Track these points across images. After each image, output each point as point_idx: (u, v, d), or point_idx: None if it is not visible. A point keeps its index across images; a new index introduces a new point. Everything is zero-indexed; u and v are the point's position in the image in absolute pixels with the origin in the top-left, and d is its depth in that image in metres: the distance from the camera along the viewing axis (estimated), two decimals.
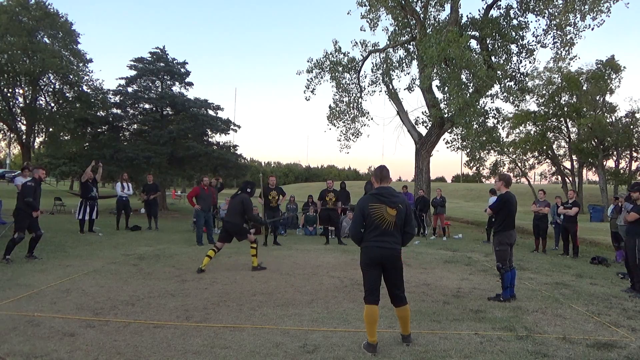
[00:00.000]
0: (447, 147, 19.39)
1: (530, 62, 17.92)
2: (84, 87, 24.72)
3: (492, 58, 17.10)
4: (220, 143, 24.59)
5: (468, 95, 16.10)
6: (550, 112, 28.70)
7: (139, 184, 19.83)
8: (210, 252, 7.62)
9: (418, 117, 19.23)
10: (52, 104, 25.86)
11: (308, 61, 19.44)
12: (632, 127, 27.89)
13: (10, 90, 24.68)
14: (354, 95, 20.10)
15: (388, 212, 4.05)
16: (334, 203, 12.45)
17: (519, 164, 31.38)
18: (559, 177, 31.89)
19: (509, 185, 6.26)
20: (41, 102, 25.74)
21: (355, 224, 4.17)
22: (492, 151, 26.67)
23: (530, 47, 17.44)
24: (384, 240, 4.05)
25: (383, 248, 4.04)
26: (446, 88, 16.06)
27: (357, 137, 20.69)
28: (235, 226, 7.75)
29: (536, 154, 30.89)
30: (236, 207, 7.80)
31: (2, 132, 28.31)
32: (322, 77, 19.70)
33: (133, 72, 22.80)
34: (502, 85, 17.25)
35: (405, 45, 19.48)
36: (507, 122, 28.34)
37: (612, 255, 10.66)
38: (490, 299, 6.02)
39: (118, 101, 22.78)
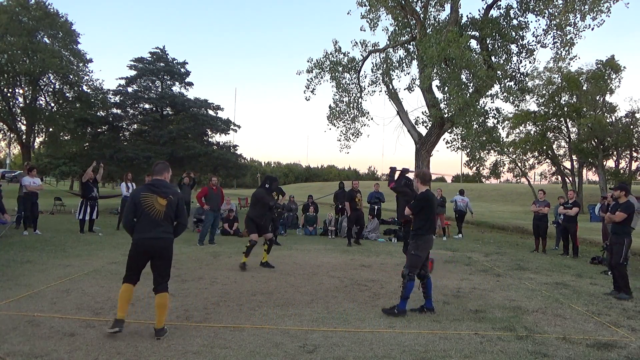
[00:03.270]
0: (447, 147, 19.35)
1: (530, 62, 17.88)
2: (84, 87, 24.76)
3: (492, 58, 17.08)
4: (220, 143, 24.63)
5: (468, 95, 16.08)
6: (550, 112, 28.72)
7: (139, 184, 19.85)
8: (264, 246, 8.29)
9: (418, 117, 19.18)
10: (52, 104, 25.87)
11: (308, 61, 19.41)
12: (632, 127, 27.94)
13: (10, 90, 24.70)
14: (354, 95, 20.07)
15: (159, 202, 4.25)
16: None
17: (519, 164, 31.39)
18: (559, 177, 31.91)
19: (425, 182, 5.63)
20: (41, 102, 25.77)
21: (127, 213, 4.32)
22: (492, 151, 26.67)
23: (530, 47, 17.41)
24: (154, 230, 4.24)
25: (154, 239, 4.23)
26: (446, 88, 16.03)
27: (357, 137, 20.64)
28: (257, 219, 8.07)
29: (536, 154, 30.91)
30: (252, 200, 8.30)
31: (2, 132, 28.31)
32: (322, 77, 19.65)
33: (133, 72, 22.82)
34: (502, 85, 17.22)
35: (405, 45, 19.45)
36: (507, 122, 28.35)
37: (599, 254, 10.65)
38: (384, 311, 5.23)
39: (118, 101, 22.80)
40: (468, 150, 18.82)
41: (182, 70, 23.99)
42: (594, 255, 10.40)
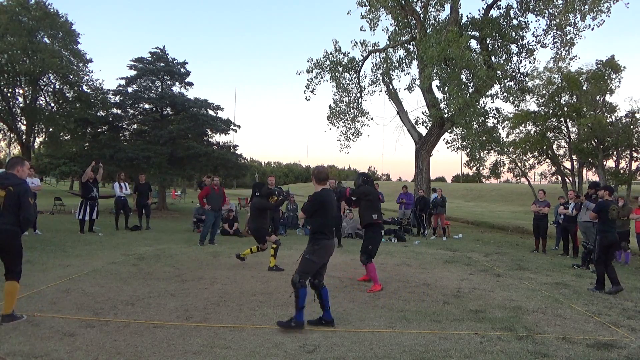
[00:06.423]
0: (447, 147, 19.42)
1: (530, 62, 17.97)
2: (84, 87, 24.69)
3: (492, 58, 17.10)
4: (220, 143, 24.58)
5: (468, 95, 16.11)
6: (550, 112, 28.68)
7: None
8: (254, 248, 8.13)
9: (418, 117, 19.25)
10: (52, 104, 25.82)
11: (308, 61, 19.46)
12: (632, 127, 27.89)
13: (10, 90, 24.62)
14: (354, 95, 20.11)
15: None
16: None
17: (519, 164, 31.35)
18: (559, 177, 31.87)
19: (321, 181, 4.93)
20: (41, 102, 25.70)
21: None
22: (492, 151, 26.65)
23: (530, 47, 17.47)
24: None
25: None
26: (446, 88, 16.06)
27: (357, 137, 20.71)
28: (263, 229, 8.04)
29: (536, 154, 30.85)
30: (253, 212, 8.25)
31: (2, 132, 28.28)
32: (322, 77, 19.71)
33: (133, 72, 22.80)
34: (502, 85, 17.26)
35: (405, 45, 19.49)
36: (507, 122, 28.32)
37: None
38: (280, 324, 4.62)
39: (118, 101, 22.77)
40: (468, 150, 18.85)
41: (182, 70, 23.98)
42: (574, 263, 9.75)
